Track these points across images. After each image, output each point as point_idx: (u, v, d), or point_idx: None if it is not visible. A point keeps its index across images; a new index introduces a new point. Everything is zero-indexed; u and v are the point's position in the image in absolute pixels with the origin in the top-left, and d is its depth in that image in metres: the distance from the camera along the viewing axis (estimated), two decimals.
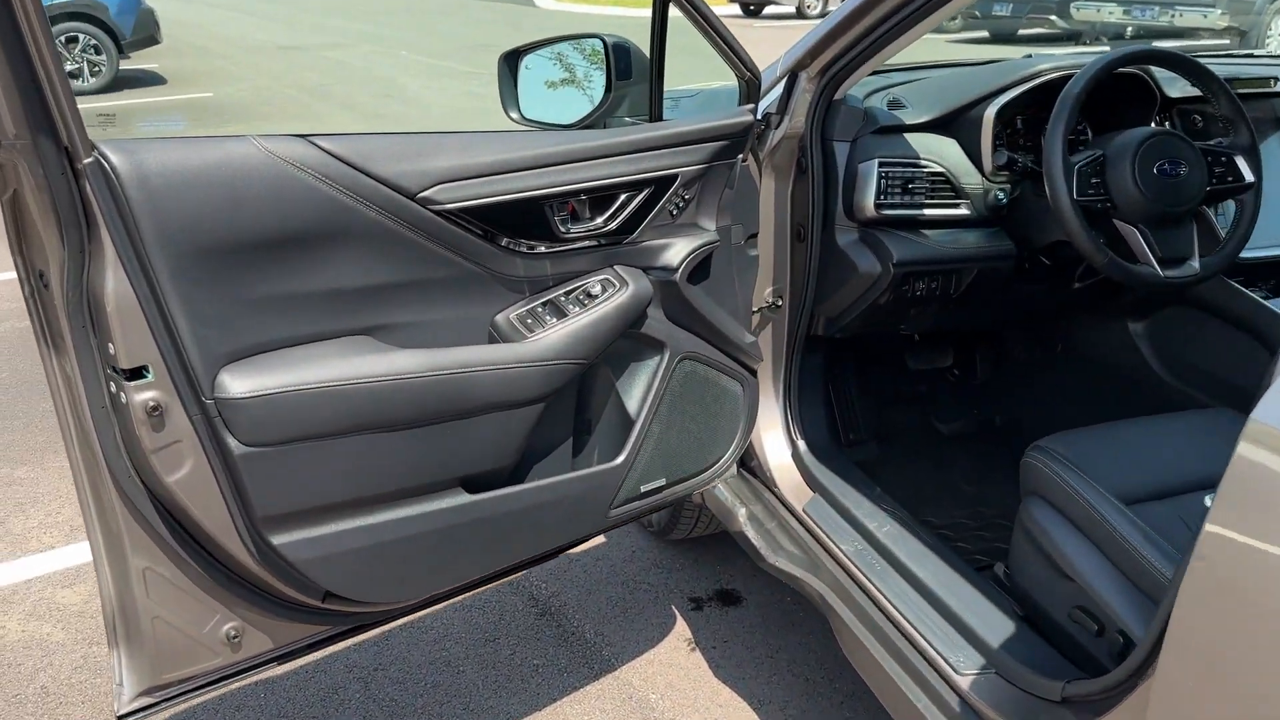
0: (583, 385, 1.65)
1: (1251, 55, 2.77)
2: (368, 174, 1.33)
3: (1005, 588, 1.70)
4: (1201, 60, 1.84)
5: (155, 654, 1.37)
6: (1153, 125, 1.98)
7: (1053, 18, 12.79)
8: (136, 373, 1.22)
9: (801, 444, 2.04)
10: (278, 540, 1.34)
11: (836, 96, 1.86)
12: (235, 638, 1.42)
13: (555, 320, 1.53)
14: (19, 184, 1.17)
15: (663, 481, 1.75)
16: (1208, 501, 0.99)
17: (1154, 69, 1.97)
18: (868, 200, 1.85)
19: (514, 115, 1.80)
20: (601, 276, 1.58)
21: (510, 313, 1.52)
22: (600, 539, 2.59)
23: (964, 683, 1.51)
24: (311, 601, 1.44)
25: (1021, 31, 13.25)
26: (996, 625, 1.59)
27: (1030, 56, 2.21)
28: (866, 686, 1.70)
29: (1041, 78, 1.94)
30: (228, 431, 1.27)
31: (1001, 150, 1.90)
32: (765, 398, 2.03)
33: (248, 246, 1.25)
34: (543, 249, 1.52)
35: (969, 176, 1.92)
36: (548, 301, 1.55)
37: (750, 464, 2.08)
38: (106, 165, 1.15)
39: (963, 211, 1.92)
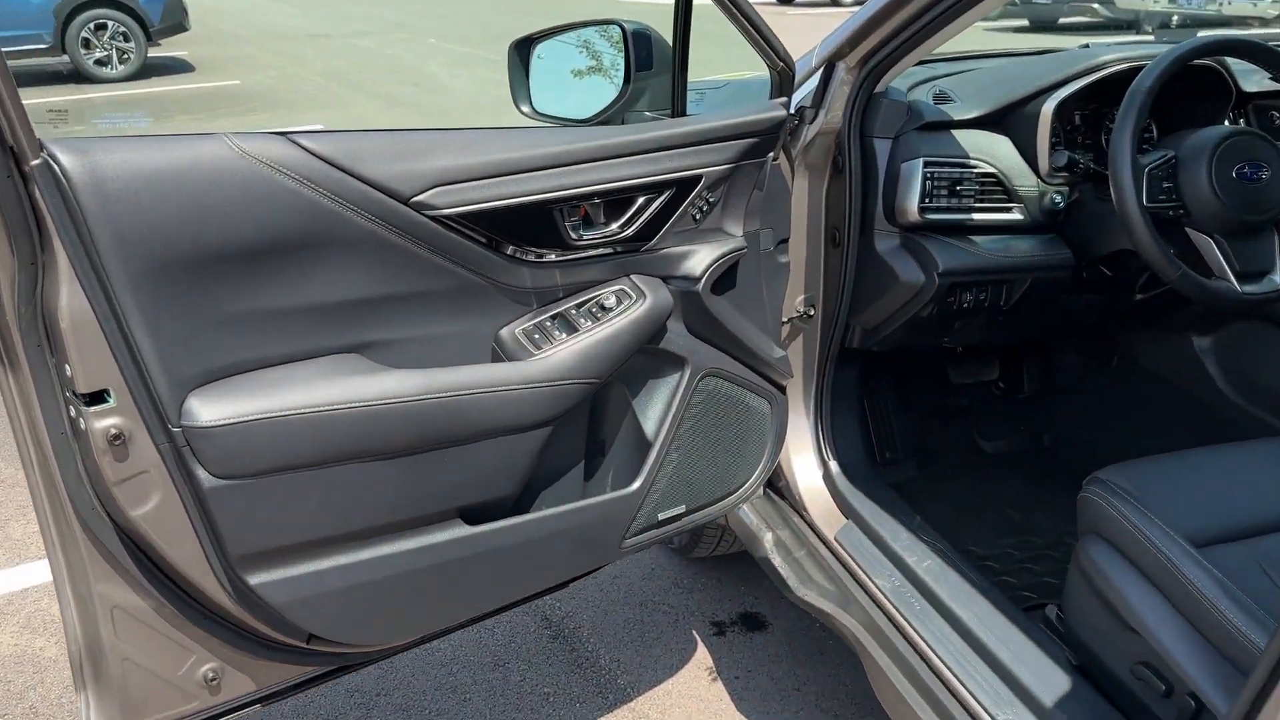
0: (595, 405, 1.51)
1: None
2: (356, 176, 1.19)
3: (1058, 633, 1.55)
4: None
5: (125, 699, 1.26)
6: (1227, 124, 1.80)
7: (1095, 5, 12.39)
8: (97, 397, 1.10)
9: (834, 465, 1.89)
10: (255, 580, 1.22)
11: (878, 89, 1.70)
12: (214, 679, 1.31)
13: (565, 336, 1.39)
14: None
15: (682, 509, 1.61)
16: None
17: (1230, 61, 1.79)
18: (911, 203, 1.69)
19: (525, 109, 1.66)
20: (617, 287, 1.44)
21: (515, 327, 1.39)
22: None
23: None
24: (296, 642, 1.32)
25: (1062, 20, 12.86)
26: (1048, 677, 1.44)
27: (1088, 46, 2.04)
28: None
29: (1105, 70, 1.77)
30: (197, 463, 1.14)
31: (1061, 151, 1.73)
32: (795, 414, 1.88)
33: (219, 257, 1.12)
34: (552, 257, 1.38)
35: (1023, 178, 1.75)
36: (557, 315, 1.41)
37: (778, 484, 1.93)
38: (57, 167, 1.02)
39: (1015, 216, 1.76)
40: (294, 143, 1.15)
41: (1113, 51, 1.85)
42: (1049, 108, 1.73)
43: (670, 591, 2.37)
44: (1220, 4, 11.37)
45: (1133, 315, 2.04)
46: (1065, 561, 1.96)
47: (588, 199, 1.38)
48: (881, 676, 1.56)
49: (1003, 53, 2.18)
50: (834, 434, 1.91)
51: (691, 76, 1.55)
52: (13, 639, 2.18)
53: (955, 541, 1.79)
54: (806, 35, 2.26)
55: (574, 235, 1.38)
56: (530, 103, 1.66)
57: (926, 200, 1.70)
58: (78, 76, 8.92)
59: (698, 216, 1.49)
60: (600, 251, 1.42)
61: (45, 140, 1.04)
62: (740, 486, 1.69)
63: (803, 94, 1.70)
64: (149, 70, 9.25)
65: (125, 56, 9.04)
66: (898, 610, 1.61)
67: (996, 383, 2.35)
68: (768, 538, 1.86)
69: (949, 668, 1.49)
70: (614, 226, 1.41)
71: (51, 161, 1.02)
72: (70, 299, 1.05)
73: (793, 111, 1.62)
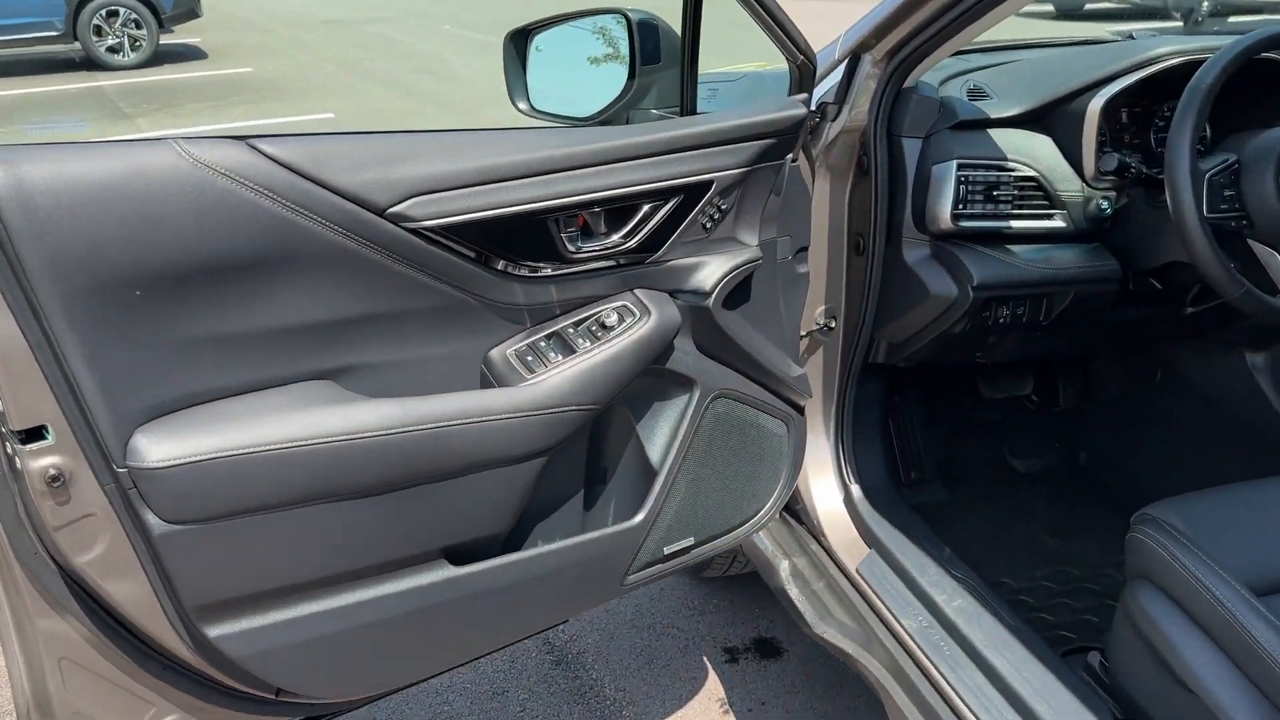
0: (596, 430, 1.38)
1: None
2: (324, 185, 1.07)
3: (1102, 684, 1.42)
4: None
5: None
6: None
7: None
8: (34, 434, 0.99)
9: (855, 489, 1.76)
10: (214, 633, 1.10)
11: (906, 84, 1.56)
12: None
13: (561, 357, 1.26)
14: None
15: (690, 541, 1.48)
16: None
17: None
18: (943, 209, 1.55)
19: (522, 106, 1.53)
20: (619, 304, 1.31)
21: (507, 348, 1.26)
22: None
23: None
24: (264, 694, 1.21)
25: (1089, 6, 12.56)
26: None
27: (1133, 37, 1.88)
28: None
29: (1158, 64, 1.61)
30: (145, 506, 1.03)
31: (1110, 154, 1.58)
32: (814, 433, 1.75)
33: (168, 278, 1.00)
34: (548, 271, 1.25)
35: (1066, 182, 1.61)
36: (552, 334, 1.28)
37: (795, 507, 1.80)
38: None
39: (1057, 224, 1.61)
40: (253, 148, 1.03)
41: (1163, 44, 1.69)
42: (1096, 105, 1.58)
43: (680, 614, 2.24)
44: None
45: (1179, 328, 1.89)
46: (1105, 596, 1.82)
47: (587, 207, 1.25)
48: None
49: (1041, 43, 2.03)
50: (855, 454, 1.78)
51: (703, 69, 1.42)
52: None
53: (986, 573, 1.66)
54: (830, 24, 2.11)
55: (571, 247, 1.25)
56: (527, 99, 1.53)
57: (960, 206, 1.56)
58: (90, 64, 8.86)
59: (708, 225, 1.35)
60: (601, 265, 1.29)
61: None
62: (753, 516, 1.56)
63: (825, 89, 1.56)
64: (161, 57, 9.17)
65: (137, 44, 8.97)
66: (925, 654, 1.48)
67: (1029, 396, 2.21)
68: (784, 566, 1.73)
69: None
70: (616, 237, 1.28)
71: None
72: None
73: (814, 108, 1.49)
